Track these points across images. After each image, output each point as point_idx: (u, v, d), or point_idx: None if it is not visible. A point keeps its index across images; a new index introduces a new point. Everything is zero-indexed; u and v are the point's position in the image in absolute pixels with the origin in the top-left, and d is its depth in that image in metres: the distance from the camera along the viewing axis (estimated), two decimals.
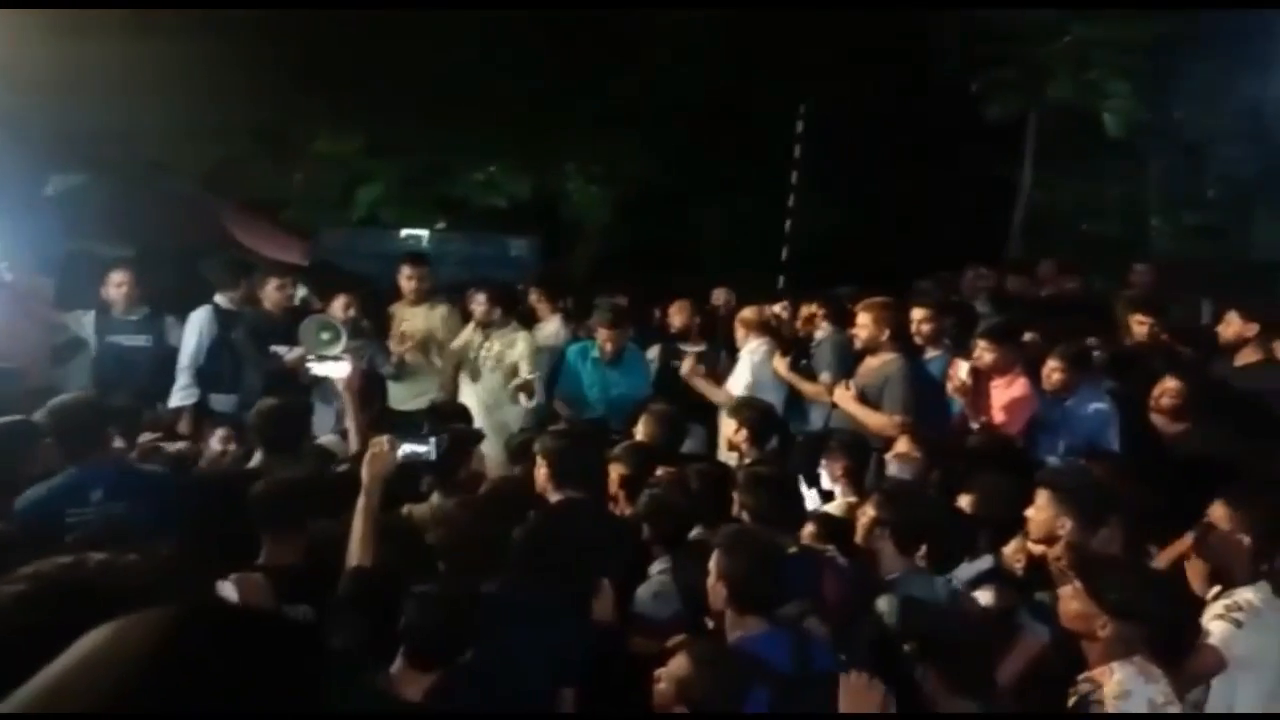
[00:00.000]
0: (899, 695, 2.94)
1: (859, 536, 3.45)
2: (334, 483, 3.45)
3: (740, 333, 5.77)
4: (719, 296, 7.16)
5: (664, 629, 2.98)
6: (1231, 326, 5.09)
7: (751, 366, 5.53)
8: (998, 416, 4.75)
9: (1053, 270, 7.63)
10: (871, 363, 5.00)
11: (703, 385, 5.51)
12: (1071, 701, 2.69)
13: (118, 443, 3.76)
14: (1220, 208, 11.50)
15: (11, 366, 5.11)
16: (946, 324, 5.41)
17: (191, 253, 7.67)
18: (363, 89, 9.86)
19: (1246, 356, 5.03)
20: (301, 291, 6.52)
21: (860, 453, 4.28)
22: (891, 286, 5.95)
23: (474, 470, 4.01)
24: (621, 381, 5.66)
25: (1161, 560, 3.43)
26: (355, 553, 2.98)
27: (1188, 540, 3.31)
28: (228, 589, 2.62)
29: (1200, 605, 3.07)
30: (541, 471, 3.59)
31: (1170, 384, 4.65)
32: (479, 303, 5.76)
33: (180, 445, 4.60)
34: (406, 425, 4.15)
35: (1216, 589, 3.08)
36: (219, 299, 5.71)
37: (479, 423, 5.31)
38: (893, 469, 4.22)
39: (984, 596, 3.17)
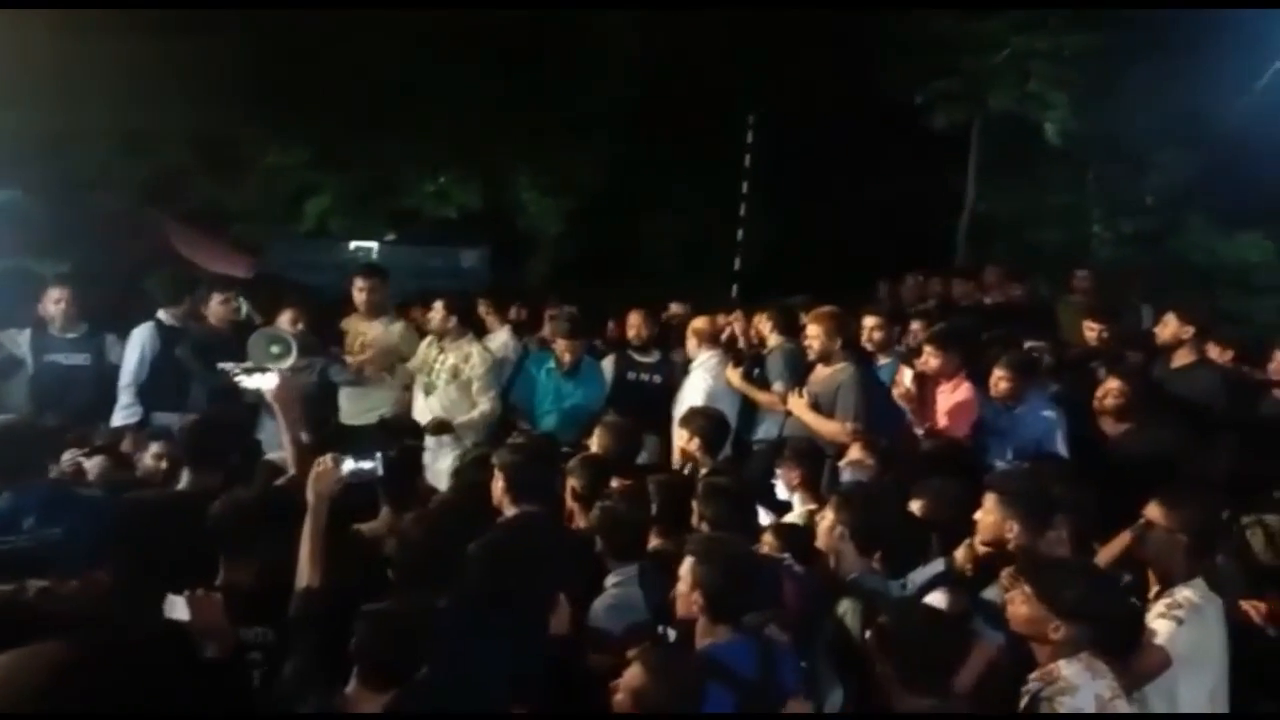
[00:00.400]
0: (857, 695, 2.98)
1: (820, 540, 3.49)
2: (285, 501, 3.37)
3: (692, 343, 5.79)
4: (675, 308, 7.17)
5: (621, 642, 2.97)
6: (1169, 328, 5.19)
7: (706, 376, 5.55)
8: (942, 421, 4.82)
9: (998, 277, 7.77)
10: (823, 371, 5.04)
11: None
12: (1023, 702, 2.73)
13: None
14: (1157, 214, 11.83)
15: None
16: (897, 331, 5.50)
17: (132, 268, 7.48)
18: (310, 98, 9.70)
19: (1182, 358, 5.16)
20: (244, 306, 6.40)
21: (814, 460, 4.31)
22: (845, 294, 6.03)
23: (426, 485, 3.96)
24: (576, 392, 5.65)
25: (1102, 559, 3.50)
26: (304, 573, 2.93)
27: (1125, 538, 3.39)
28: (180, 608, 2.55)
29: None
30: (499, 485, 3.56)
31: (1113, 384, 4.76)
32: (436, 310, 5.70)
33: (96, 460, 4.43)
34: (356, 440, 4.07)
35: (1156, 589, 3.15)
36: (162, 315, 5.58)
37: (433, 437, 5.26)
38: (846, 475, 4.26)
39: (937, 599, 3.21)
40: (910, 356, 5.34)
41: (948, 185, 12.44)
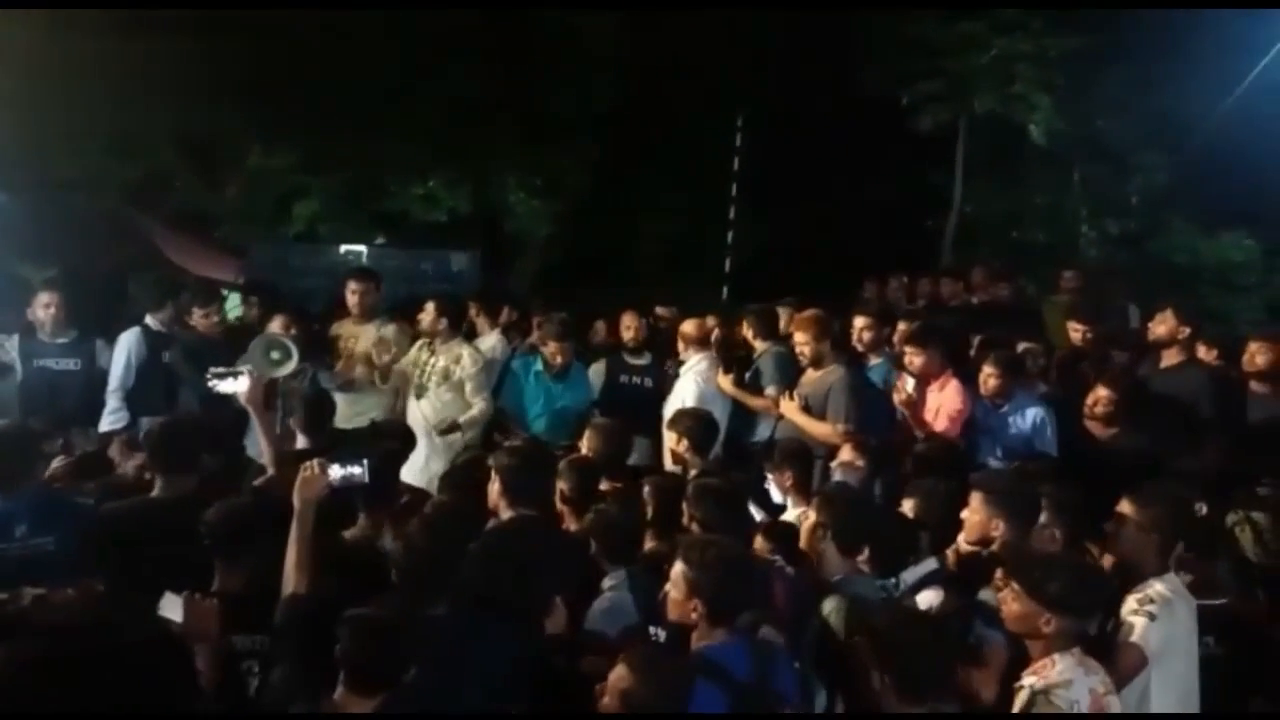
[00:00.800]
0: (845, 696, 2.99)
1: (802, 541, 3.50)
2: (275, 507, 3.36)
3: (681, 346, 5.80)
4: (661, 311, 7.17)
5: (616, 645, 2.97)
6: (1165, 325, 5.21)
7: (696, 379, 5.56)
8: (931, 419, 4.86)
9: (985, 277, 7.82)
10: (813, 373, 5.06)
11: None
12: (1019, 697, 2.76)
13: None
14: (1141, 214, 11.92)
15: None
16: (887, 332, 5.52)
17: (119, 272, 7.44)
18: (298, 101, 9.66)
19: (1171, 358, 5.21)
20: (237, 310, 6.36)
21: (804, 462, 4.32)
22: (834, 295, 6.05)
23: (402, 486, 3.95)
24: (565, 394, 5.65)
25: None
26: (291, 579, 2.93)
27: None
28: (175, 608, 2.54)
29: None
30: (495, 488, 3.55)
31: (1102, 393, 4.87)
32: (427, 312, 5.69)
33: (63, 462, 4.37)
34: (348, 445, 4.06)
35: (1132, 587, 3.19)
36: (149, 320, 5.55)
37: (424, 440, 5.26)
38: (838, 476, 4.28)
39: (930, 598, 3.23)
40: (900, 357, 5.36)
41: (934, 186, 12.52)
